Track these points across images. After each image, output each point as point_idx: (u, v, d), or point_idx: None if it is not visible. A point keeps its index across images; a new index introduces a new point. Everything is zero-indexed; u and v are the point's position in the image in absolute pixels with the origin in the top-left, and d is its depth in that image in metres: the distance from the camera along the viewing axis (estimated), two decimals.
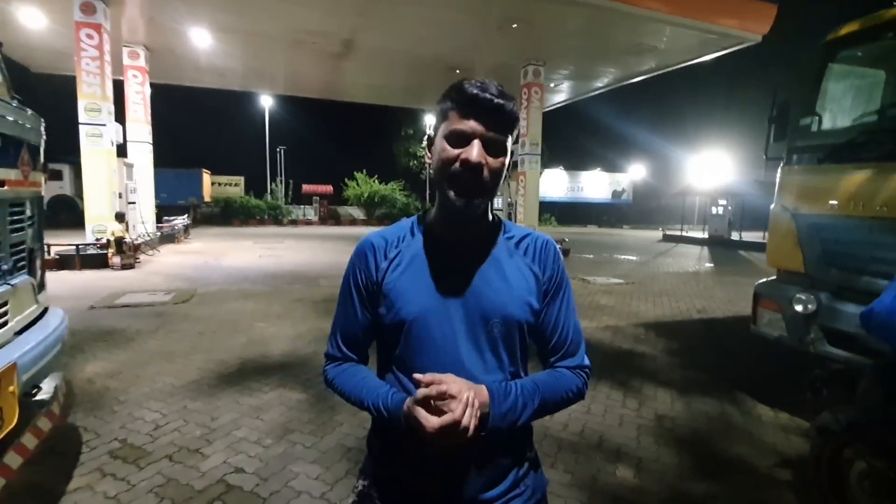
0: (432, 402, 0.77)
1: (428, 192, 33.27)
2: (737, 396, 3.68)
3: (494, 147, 0.84)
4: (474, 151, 0.81)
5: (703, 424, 3.23)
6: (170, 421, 3.02)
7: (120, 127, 10.80)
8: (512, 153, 0.87)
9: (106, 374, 3.79)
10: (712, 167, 22.36)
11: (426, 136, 0.97)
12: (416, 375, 0.80)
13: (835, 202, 2.87)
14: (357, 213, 29.73)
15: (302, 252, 13.01)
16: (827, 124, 3.16)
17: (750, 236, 18.74)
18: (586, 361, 0.97)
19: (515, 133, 0.88)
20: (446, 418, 0.75)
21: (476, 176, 0.82)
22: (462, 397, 0.76)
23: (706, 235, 19.69)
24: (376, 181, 30.08)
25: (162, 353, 4.34)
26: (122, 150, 11.49)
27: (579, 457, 2.74)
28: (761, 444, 2.96)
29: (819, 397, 2.33)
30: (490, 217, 0.95)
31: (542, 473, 1.02)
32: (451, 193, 0.84)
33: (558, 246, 1.01)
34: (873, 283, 2.65)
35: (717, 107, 34.52)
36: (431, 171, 0.90)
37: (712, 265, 12.56)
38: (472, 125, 0.82)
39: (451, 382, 0.78)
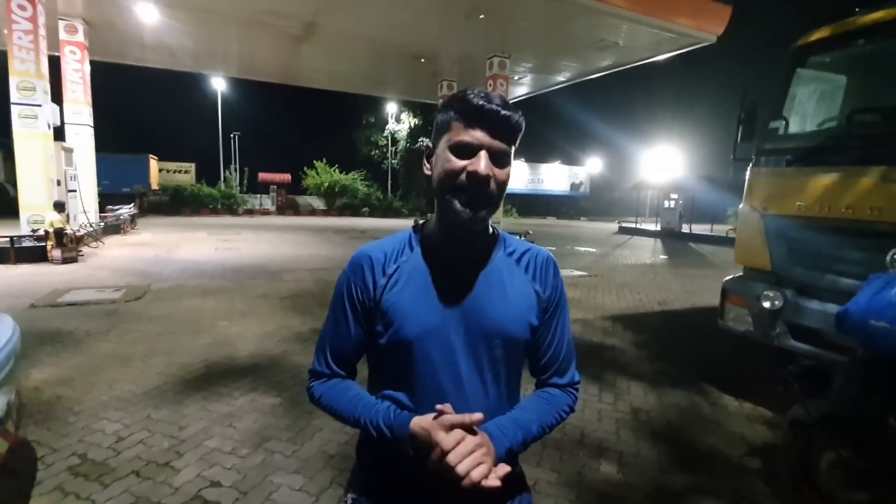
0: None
1: (390, 182, 32.89)
2: (703, 387, 3.85)
3: (500, 158, 0.82)
4: (482, 163, 0.79)
5: (676, 416, 3.35)
6: (133, 432, 2.81)
7: (57, 108, 9.91)
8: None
9: (56, 381, 3.48)
10: (664, 162, 23.36)
11: (425, 147, 0.91)
12: (439, 406, 0.78)
13: (801, 204, 3.02)
14: (317, 203, 29.01)
15: (261, 244, 12.53)
16: (795, 128, 3.31)
17: (699, 229, 19.73)
18: (577, 377, 1.00)
19: (518, 143, 0.86)
20: (468, 442, 0.74)
21: (483, 188, 0.80)
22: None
23: (659, 228, 20.58)
24: (337, 170, 29.40)
25: (117, 356, 4.04)
26: (59, 133, 10.58)
27: (563, 454, 2.77)
28: (730, 434, 3.11)
29: (791, 391, 2.46)
30: (490, 230, 0.93)
31: (528, 488, 1.02)
32: (457, 204, 0.81)
33: (523, 238, 1.01)
34: (837, 281, 2.81)
35: (669, 105, 36.08)
36: (434, 183, 0.86)
37: (666, 257, 13.12)
38: (478, 136, 0.80)
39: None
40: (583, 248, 14.34)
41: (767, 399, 3.47)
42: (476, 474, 0.72)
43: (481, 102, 0.79)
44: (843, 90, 3.27)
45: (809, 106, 3.34)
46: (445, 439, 0.74)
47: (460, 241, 0.89)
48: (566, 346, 0.97)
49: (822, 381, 2.26)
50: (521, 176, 32.77)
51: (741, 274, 3.61)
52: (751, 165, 3.46)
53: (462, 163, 0.80)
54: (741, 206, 3.49)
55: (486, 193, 0.80)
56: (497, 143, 0.80)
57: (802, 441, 2.26)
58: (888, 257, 2.52)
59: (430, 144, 0.88)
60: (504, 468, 0.76)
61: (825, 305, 2.84)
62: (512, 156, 0.84)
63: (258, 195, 28.19)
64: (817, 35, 3.17)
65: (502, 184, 0.82)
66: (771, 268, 3.25)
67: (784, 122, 3.31)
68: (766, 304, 3.15)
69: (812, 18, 3.36)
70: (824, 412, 2.13)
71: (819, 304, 2.89)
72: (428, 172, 0.88)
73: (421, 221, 0.99)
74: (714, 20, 12.22)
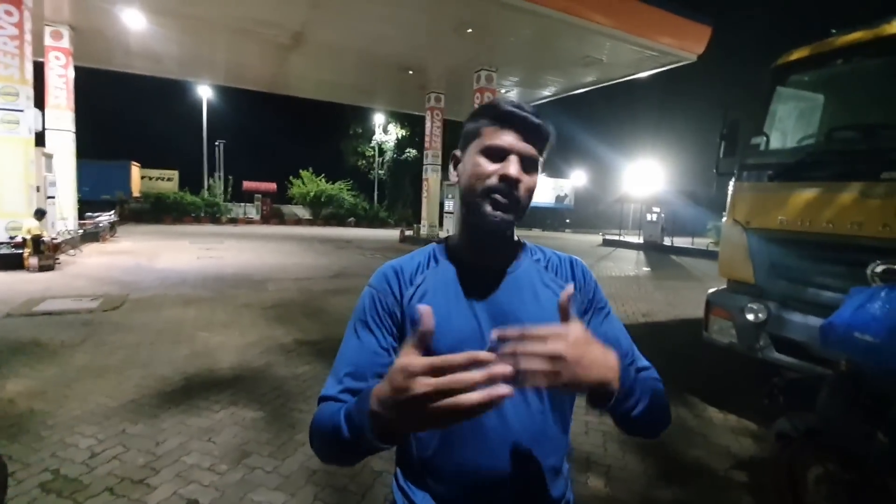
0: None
1: (376, 192, 32.83)
2: (688, 399, 3.86)
3: (530, 164, 0.81)
4: (513, 166, 0.79)
5: None
6: (107, 447, 2.71)
7: (39, 113, 9.71)
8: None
9: (29, 393, 3.35)
10: (647, 176, 23.80)
11: (451, 156, 0.90)
12: (421, 307, 0.59)
13: (783, 218, 3.08)
14: (302, 212, 28.79)
15: (244, 253, 12.35)
16: (776, 144, 3.39)
17: (680, 242, 20.05)
18: (647, 362, 0.90)
19: (546, 154, 0.85)
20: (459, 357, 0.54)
21: (513, 191, 0.79)
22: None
23: (641, 240, 20.86)
24: (323, 180, 29.26)
25: (92, 368, 3.91)
26: (40, 139, 10.35)
27: None
28: (716, 446, 3.11)
29: (776, 404, 2.47)
30: (515, 238, 0.91)
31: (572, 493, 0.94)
32: (487, 207, 0.80)
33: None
34: (819, 294, 2.86)
35: (652, 121, 36.87)
36: (461, 189, 0.84)
37: (649, 269, 13.27)
38: (510, 140, 0.79)
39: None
40: None
41: (752, 411, 3.50)
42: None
43: (512, 108, 0.80)
44: (822, 107, 3.37)
45: (790, 123, 3.43)
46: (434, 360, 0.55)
47: (487, 249, 0.87)
48: (625, 338, 0.89)
49: (808, 394, 2.27)
50: None
51: (725, 287, 3.65)
52: (733, 180, 3.53)
53: (493, 166, 0.80)
54: (724, 219, 3.55)
55: (514, 197, 0.80)
56: (528, 149, 0.80)
57: (788, 455, 2.27)
58: (868, 271, 2.57)
59: (457, 153, 0.88)
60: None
61: (808, 318, 2.88)
62: (540, 166, 0.84)
63: (243, 204, 27.86)
64: (796, 55, 3.27)
65: (530, 190, 0.82)
66: (754, 281, 3.29)
67: (765, 139, 3.39)
68: (750, 317, 3.19)
69: (790, 39, 3.47)
70: (810, 425, 2.14)
71: (802, 316, 2.94)
72: (455, 180, 0.87)
73: (445, 237, 0.96)
74: (695, 40, 12.58)
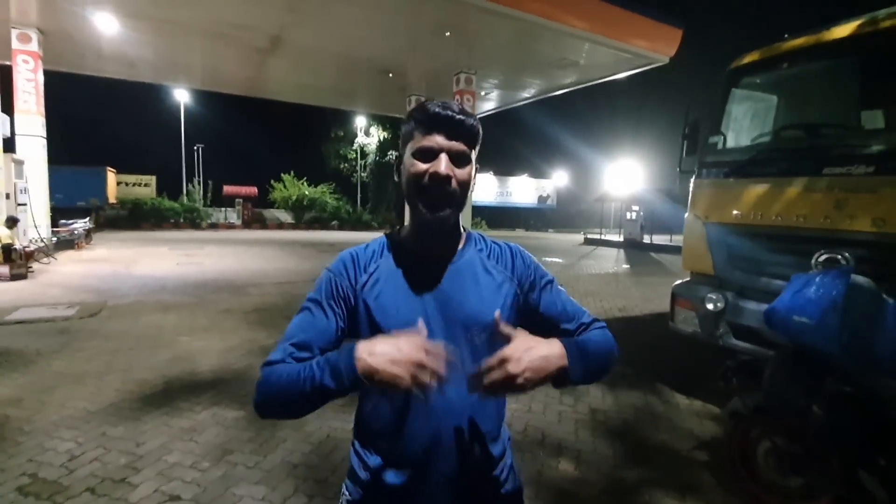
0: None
1: (359, 195, 32.75)
2: (657, 387, 4.03)
3: (460, 159, 0.89)
4: (442, 164, 0.86)
5: (631, 415, 3.51)
6: (87, 450, 2.74)
7: (7, 118, 9.52)
8: (476, 166, 0.94)
9: (4, 401, 3.34)
10: (626, 176, 24.25)
11: (395, 157, 1.00)
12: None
13: (738, 212, 3.27)
14: (284, 216, 28.56)
15: (225, 258, 12.25)
16: (731, 143, 3.58)
17: (659, 239, 20.49)
18: (601, 321, 1.02)
19: (478, 146, 0.93)
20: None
21: (444, 187, 0.87)
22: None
23: (622, 239, 21.26)
24: (305, 184, 29.08)
25: (70, 374, 3.90)
26: (9, 145, 10.13)
27: (524, 454, 2.86)
28: (680, 429, 3.28)
29: (730, 385, 2.63)
30: (461, 230, 1.00)
31: (520, 481, 1.07)
32: (421, 206, 0.89)
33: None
34: (771, 283, 3.04)
35: (630, 121, 37.62)
36: (403, 189, 0.93)
37: (628, 266, 13.57)
38: (437, 140, 0.87)
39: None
40: (550, 259, 14.66)
41: (714, 396, 3.68)
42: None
43: (437, 110, 0.87)
44: (773, 108, 3.58)
45: (744, 122, 3.62)
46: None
47: (432, 241, 0.95)
48: (570, 303, 1.02)
49: (757, 375, 2.44)
50: (489, 189, 33.25)
51: (689, 279, 3.83)
52: (694, 177, 3.71)
53: (424, 166, 0.87)
54: (686, 214, 3.73)
55: (447, 192, 0.87)
56: (455, 145, 0.87)
57: (740, 432, 2.43)
58: (813, 260, 2.75)
59: (399, 154, 0.96)
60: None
61: (761, 306, 3.05)
62: (474, 158, 0.91)
63: (223, 209, 27.53)
64: (748, 58, 3.46)
65: (464, 183, 0.89)
66: (714, 272, 3.47)
67: (722, 138, 3.58)
68: (710, 307, 3.37)
69: (754, 42, 3.64)
70: (757, 403, 2.31)
71: (756, 304, 3.12)
72: (397, 180, 0.96)
73: (397, 227, 1.04)
74: (666, 42, 12.92)
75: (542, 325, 0.98)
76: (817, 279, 2.08)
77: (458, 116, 0.87)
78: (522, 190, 35.21)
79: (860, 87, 3.07)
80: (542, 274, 1.03)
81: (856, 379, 2.00)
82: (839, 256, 2.61)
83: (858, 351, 1.90)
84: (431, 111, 0.87)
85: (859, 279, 2.01)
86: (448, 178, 0.87)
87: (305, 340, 0.88)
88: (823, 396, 1.99)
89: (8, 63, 11.43)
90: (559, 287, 1.04)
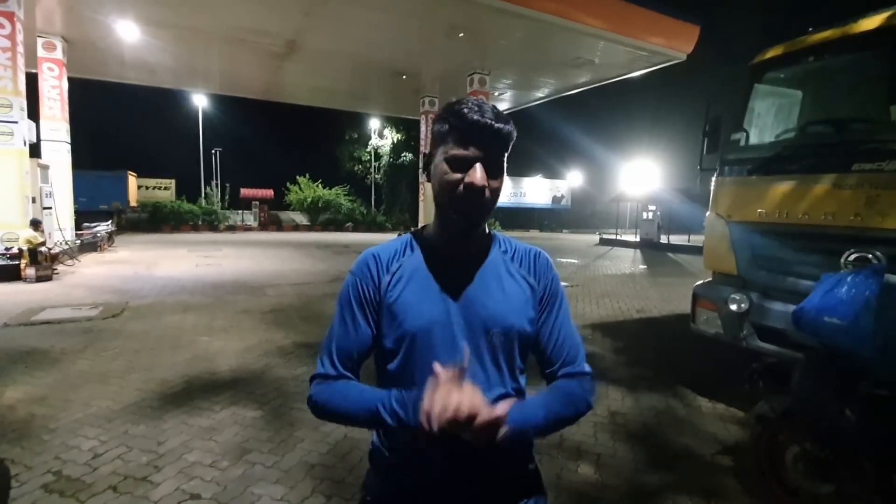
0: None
1: (373, 197, 32.94)
2: (679, 390, 3.95)
3: (494, 169, 0.88)
4: (477, 175, 0.85)
5: (652, 418, 3.44)
6: (110, 448, 2.78)
7: (33, 124, 9.79)
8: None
9: (30, 399, 3.42)
10: (642, 175, 23.95)
11: (423, 154, 0.98)
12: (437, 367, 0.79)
13: (762, 211, 3.18)
14: (300, 218, 28.89)
15: (243, 260, 12.42)
16: (755, 139, 3.49)
17: (677, 239, 20.18)
18: (587, 368, 0.98)
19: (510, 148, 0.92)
20: (467, 399, 0.74)
21: (479, 198, 0.86)
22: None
23: (638, 239, 20.98)
24: (320, 186, 29.37)
25: (94, 373, 3.98)
26: (35, 150, 10.43)
27: (542, 457, 2.82)
28: (704, 433, 3.20)
29: (756, 388, 2.56)
30: (486, 230, 0.99)
31: (544, 489, 1.04)
32: (454, 215, 0.88)
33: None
34: (798, 283, 2.96)
35: (646, 120, 37.05)
36: (433, 189, 0.92)
37: (645, 267, 13.37)
38: (473, 151, 0.85)
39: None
40: (565, 260, 14.53)
41: (739, 399, 3.58)
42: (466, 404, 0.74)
43: (476, 118, 0.83)
44: (797, 103, 3.48)
45: (768, 118, 3.53)
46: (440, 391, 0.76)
47: (458, 242, 0.95)
48: (569, 336, 0.98)
49: (784, 378, 2.36)
50: (503, 189, 32.64)
51: (711, 279, 3.74)
52: (715, 175, 3.63)
53: (458, 175, 0.85)
54: (707, 213, 3.65)
55: (480, 203, 0.86)
56: (491, 154, 0.86)
57: (767, 436, 2.36)
58: (842, 259, 2.66)
59: (429, 151, 0.93)
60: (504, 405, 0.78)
61: (787, 307, 2.97)
62: (505, 162, 0.90)
63: (240, 211, 27.95)
64: (771, 53, 3.38)
65: (496, 191, 0.89)
66: (737, 272, 3.39)
67: (745, 134, 3.49)
68: (734, 307, 3.28)
69: (774, 37, 3.55)
70: (786, 407, 2.24)
71: (782, 305, 3.03)
72: (424, 179, 0.95)
73: (421, 226, 1.04)
74: (683, 39, 12.74)
75: (534, 343, 0.98)
76: (849, 279, 2.00)
77: (495, 125, 0.85)
78: (537, 190, 34.99)
79: (889, 81, 2.97)
80: (556, 290, 1.00)
81: (891, 382, 1.92)
82: (870, 255, 2.52)
83: (894, 353, 1.83)
84: (469, 119, 0.84)
85: (893, 278, 1.93)
86: (483, 189, 0.85)
87: (347, 351, 0.94)
88: (856, 400, 1.92)
89: (34, 71, 11.76)
90: (567, 308, 1.01)
